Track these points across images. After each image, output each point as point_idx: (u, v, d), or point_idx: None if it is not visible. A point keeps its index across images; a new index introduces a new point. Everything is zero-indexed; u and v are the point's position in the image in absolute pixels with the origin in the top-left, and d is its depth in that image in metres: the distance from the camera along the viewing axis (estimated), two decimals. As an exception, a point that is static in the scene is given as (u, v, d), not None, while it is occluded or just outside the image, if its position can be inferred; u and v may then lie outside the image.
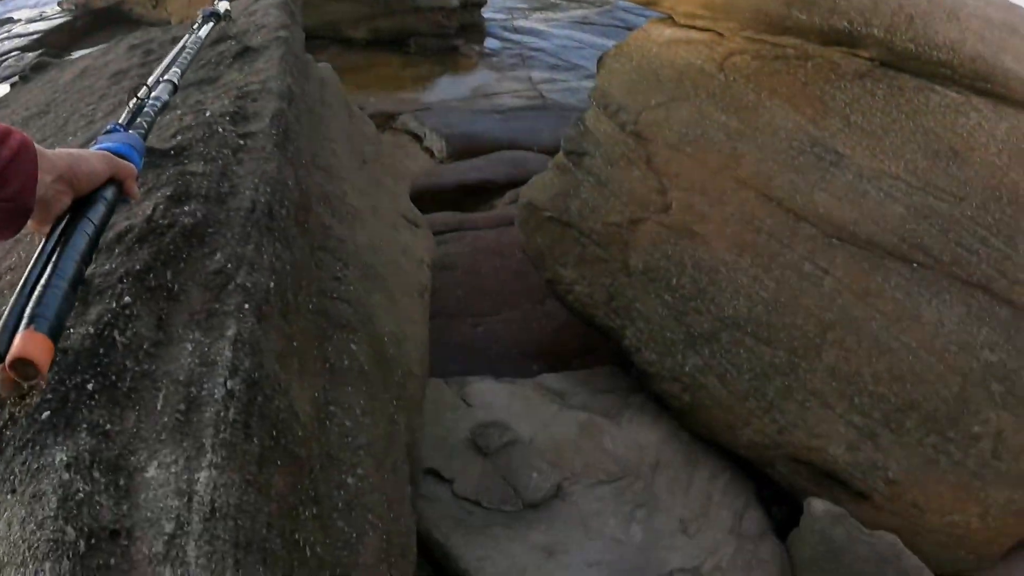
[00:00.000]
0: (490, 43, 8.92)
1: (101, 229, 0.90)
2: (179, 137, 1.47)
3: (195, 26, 1.87)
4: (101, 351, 0.95)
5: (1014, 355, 2.55)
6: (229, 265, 1.12)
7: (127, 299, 1.03)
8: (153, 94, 1.31)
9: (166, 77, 1.40)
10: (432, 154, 5.75)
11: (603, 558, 2.37)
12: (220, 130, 1.50)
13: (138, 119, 1.19)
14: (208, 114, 1.59)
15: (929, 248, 2.58)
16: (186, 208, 1.21)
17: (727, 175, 2.88)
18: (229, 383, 0.94)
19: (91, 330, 0.96)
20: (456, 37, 8.80)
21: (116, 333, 0.97)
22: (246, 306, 1.07)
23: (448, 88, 7.34)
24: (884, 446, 2.55)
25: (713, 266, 2.80)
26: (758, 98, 2.95)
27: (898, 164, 2.68)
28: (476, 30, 9.27)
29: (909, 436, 2.55)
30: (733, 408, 2.71)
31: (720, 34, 3.21)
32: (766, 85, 2.96)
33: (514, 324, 3.86)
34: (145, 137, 1.15)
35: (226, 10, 2.14)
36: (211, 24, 1.89)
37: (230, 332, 1.01)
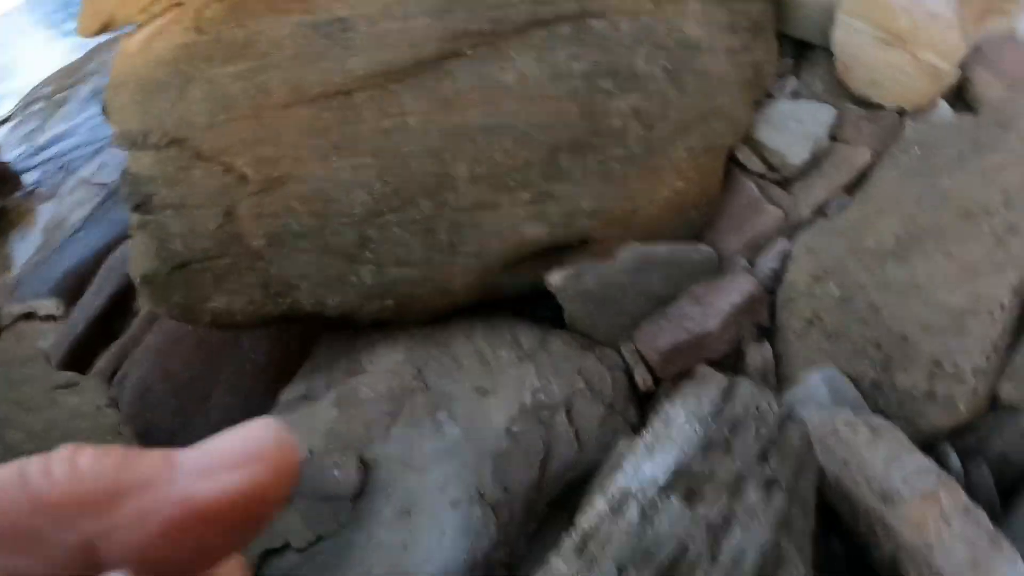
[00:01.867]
0: (28, 179, 7.96)
1: None
2: None
3: None
4: None
5: (600, 53, 2.64)
6: None
7: None
8: None
9: None
10: (54, 318, 5.06)
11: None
12: None
13: None
14: None
15: (468, 29, 2.60)
16: None
17: (269, 111, 2.71)
18: None
19: None
20: (-5, 199, 7.82)
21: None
22: None
23: (23, 249, 6.51)
24: (561, 196, 2.57)
25: (317, 187, 2.61)
26: (246, 30, 2.80)
27: (397, -10, 2.64)
28: (6, 178, 8.26)
29: (573, 172, 2.60)
30: (435, 277, 2.59)
31: (179, 3, 3.02)
32: (245, 14, 2.83)
33: (249, 379, 3.47)
34: None
35: None
36: None
37: None
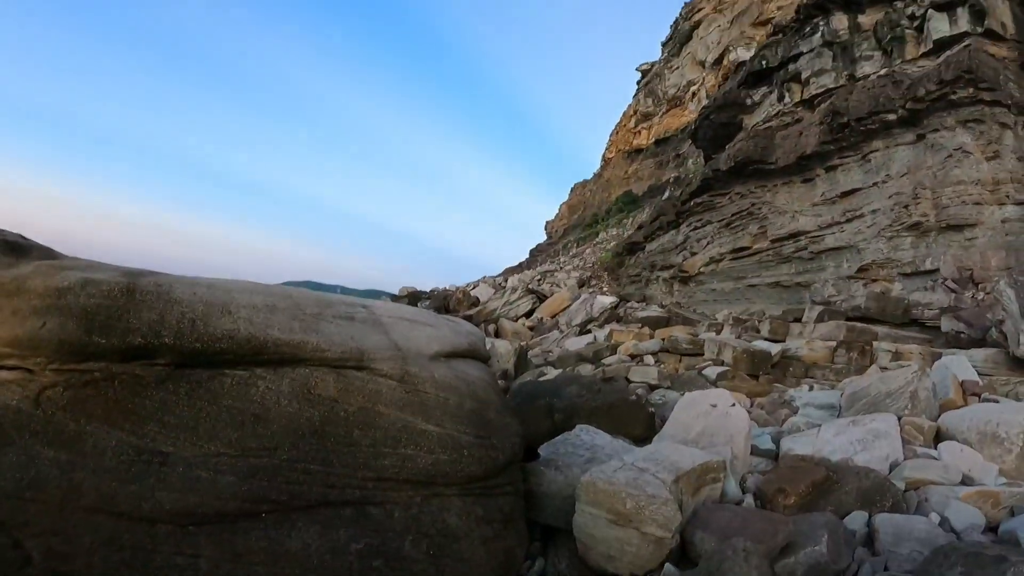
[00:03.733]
0: None
1: None
2: None
3: None
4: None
5: (374, 536, 3.11)
6: None
7: None
8: None
9: None
10: None
11: None
12: None
13: None
14: None
15: (267, 496, 2.99)
16: None
17: (74, 508, 2.87)
18: None
19: None
20: None
21: None
22: None
23: None
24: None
25: (99, 603, 2.77)
26: (79, 425, 3.02)
27: (216, 444, 3.05)
28: None
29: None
30: None
31: (31, 371, 3.23)
32: (83, 411, 3.06)
33: None
34: None
35: None
36: None
37: None
